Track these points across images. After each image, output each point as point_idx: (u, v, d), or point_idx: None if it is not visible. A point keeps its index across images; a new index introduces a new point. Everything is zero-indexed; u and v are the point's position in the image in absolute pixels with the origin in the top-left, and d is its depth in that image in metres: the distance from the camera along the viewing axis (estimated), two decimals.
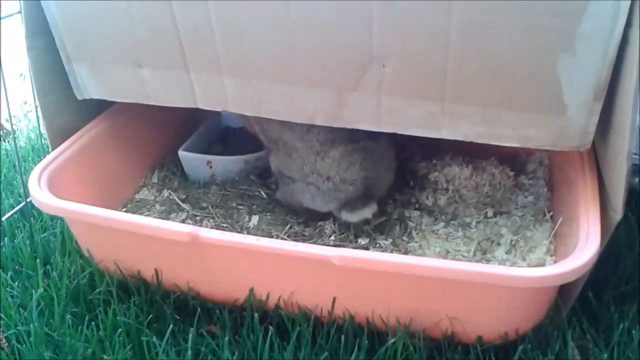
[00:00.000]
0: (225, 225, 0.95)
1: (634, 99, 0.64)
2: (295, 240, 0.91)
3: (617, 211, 0.70)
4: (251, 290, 0.75)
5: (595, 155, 0.82)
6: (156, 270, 0.79)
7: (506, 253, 0.84)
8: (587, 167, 0.80)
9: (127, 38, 0.84)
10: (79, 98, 0.93)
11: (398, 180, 1.03)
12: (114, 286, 0.80)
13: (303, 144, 0.89)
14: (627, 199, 0.70)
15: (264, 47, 0.77)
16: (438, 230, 0.92)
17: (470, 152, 1.06)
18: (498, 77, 0.71)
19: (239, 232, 0.93)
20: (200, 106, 0.87)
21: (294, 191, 0.92)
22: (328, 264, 0.67)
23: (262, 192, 1.02)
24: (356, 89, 0.77)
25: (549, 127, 0.73)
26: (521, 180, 1.00)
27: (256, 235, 0.90)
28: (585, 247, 0.66)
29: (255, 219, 0.95)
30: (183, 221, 0.96)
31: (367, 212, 0.89)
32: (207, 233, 0.70)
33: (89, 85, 0.91)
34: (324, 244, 0.90)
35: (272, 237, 0.90)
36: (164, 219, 0.96)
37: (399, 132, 0.79)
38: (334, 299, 0.72)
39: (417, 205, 0.98)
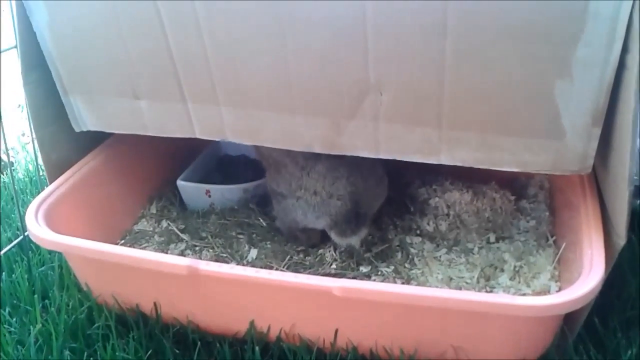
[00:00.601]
0: (224, 255, 0.94)
1: (632, 123, 0.64)
2: (296, 270, 0.90)
3: (621, 236, 0.69)
4: (252, 323, 0.74)
5: (596, 178, 0.82)
6: (155, 304, 0.78)
7: (510, 279, 0.83)
8: (588, 190, 0.80)
9: (123, 70, 0.84)
10: (77, 130, 0.92)
11: (398, 206, 1.02)
12: (112, 320, 0.79)
13: (290, 160, 0.89)
14: (630, 222, 0.69)
15: (260, 77, 0.77)
16: (440, 256, 0.91)
17: (470, 177, 1.06)
18: (494, 104, 0.71)
19: (238, 262, 0.92)
20: (198, 136, 0.86)
21: (287, 209, 0.92)
22: (329, 295, 0.66)
23: (261, 221, 1.01)
24: (354, 117, 0.77)
25: (547, 152, 0.73)
26: (522, 205, 0.99)
27: (255, 267, 0.89)
28: (590, 274, 0.65)
29: (254, 252, 0.94)
30: (182, 252, 0.95)
31: (355, 240, 0.89)
32: (206, 266, 0.69)
33: (86, 117, 0.91)
34: (325, 273, 0.89)
35: (272, 268, 0.88)
36: (163, 249, 0.95)
37: (398, 158, 0.78)
38: (336, 331, 0.71)
39: (418, 232, 0.97)
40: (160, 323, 0.78)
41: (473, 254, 0.90)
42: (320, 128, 0.79)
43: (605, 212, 0.75)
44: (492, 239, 0.92)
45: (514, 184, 1.05)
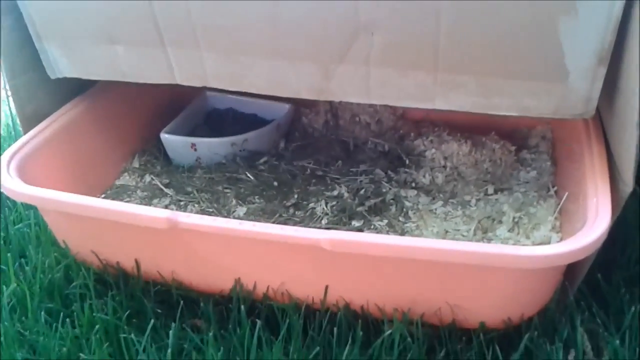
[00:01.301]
0: (211, 210, 0.90)
1: None
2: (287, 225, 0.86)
3: (628, 183, 0.65)
4: (237, 281, 0.70)
5: (602, 126, 0.77)
6: (136, 261, 0.74)
7: (508, 231, 0.79)
8: (593, 138, 0.75)
9: (98, 13, 0.78)
10: (52, 77, 0.87)
11: (392, 159, 0.98)
12: (90, 279, 0.75)
13: None
14: (637, 173, 0.65)
15: (244, 18, 0.72)
16: (436, 209, 0.87)
17: (468, 128, 1.01)
18: (494, 44, 0.66)
19: (226, 216, 0.88)
20: (179, 82, 0.81)
21: None
22: (318, 248, 0.62)
23: (249, 176, 0.96)
24: (343, 61, 0.71)
25: (550, 95, 0.68)
26: (523, 155, 0.95)
27: None
28: (595, 222, 0.61)
29: (242, 209, 0.89)
30: (166, 206, 0.91)
31: None
32: (186, 218, 0.65)
33: (62, 63, 0.85)
34: (316, 228, 0.85)
35: None
36: (146, 205, 0.90)
37: (390, 104, 0.74)
38: (327, 288, 0.67)
39: (413, 185, 0.92)
40: (142, 281, 0.75)
41: (470, 206, 0.86)
42: (308, 73, 0.74)
43: (611, 160, 0.71)
44: (491, 190, 0.88)
45: (515, 135, 1.01)
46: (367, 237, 0.62)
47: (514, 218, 0.80)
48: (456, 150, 0.94)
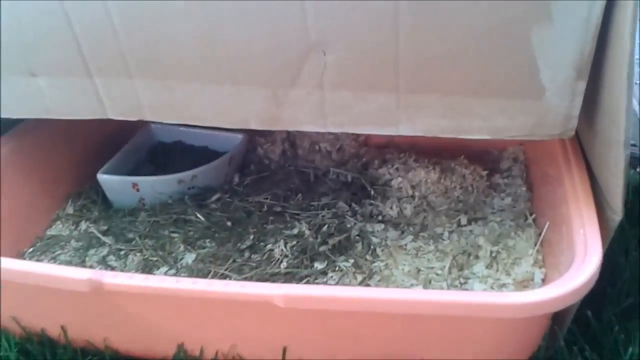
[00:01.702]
0: (155, 258, 0.80)
1: (627, 73, 0.52)
2: (240, 272, 0.76)
3: (617, 211, 0.58)
4: (180, 346, 0.60)
5: (581, 145, 0.70)
6: (62, 328, 0.63)
7: (487, 267, 0.71)
8: (572, 159, 0.69)
9: (15, 41, 0.69)
10: None
11: (356, 190, 0.90)
12: (12, 351, 0.64)
13: None
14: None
15: (178, 40, 0.63)
16: (406, 245, 0.78)
17: (435, 152, 0.94)
18: (459, 59, 0.59)
19: (172, 266, 0.78)
20: (110, 116, 0.72)
21: None
22: (270, 306, 0.53)
23: (199, 216, 0.87)
24: (294, 85, 0.63)
25: (524, 114, 0.61)
26: (495, 180, 0.88)
27: (192, 271, 0.75)
28: (585, 258, 0.54)
29: (190, 256, 0.80)
30: (104, 258, 0.81)
31: None
32: (113, 278, 0.55)
33: None
34: (273, 273, 0.76)
35: (209, 273, 0.75)
36: (81, 257, 0.80)
37: (350, 131, 0.66)
38: (284, 349, 0.58)
39: (380, 218, 0.84)
40: (71, 350, 0.64)
41: (443, 239, 0.78)
42: (256, 100, 0.66)
43: (594, 183, 0.64)
44: (464, 221, 0.80)
45: (485, 158, 0.94)
46: (327, 291, 0.54)
47: (491, 252, 0.72)
48: (424, 178, 0.86)
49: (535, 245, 0.71)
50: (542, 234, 0.70)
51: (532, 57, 0.57)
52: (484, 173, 0.87)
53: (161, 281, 0.55)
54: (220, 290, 0.53)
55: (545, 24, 0.55)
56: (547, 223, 0.69)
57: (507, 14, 0.55)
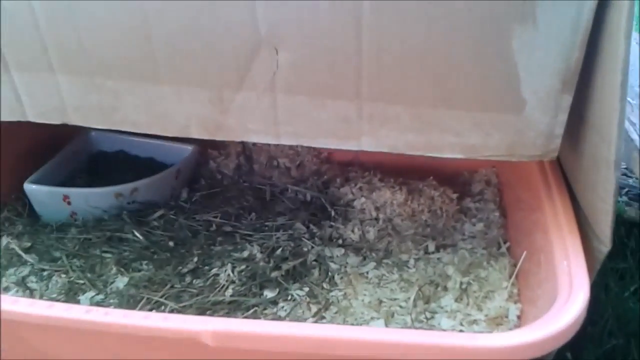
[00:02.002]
0: (82, 281, 0.70)
1: (621, 83, 0.45)
2: (179, 299, 0.67)
3: (605, 241, 0.51)
4: None
5: (561, 165, 0.64)
6: None
7: (456, 301, 0.63)
8: (552, 182, 0.62)
9: None
10: None
11: (315, 210, 0.82)
12: None
13: None
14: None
15: (106, 32, 0.55)
16: (367, 272, 0.70)
17: (403, 172, 0.86)
18: (430, 66, 0.52)
19: (100, 291, 0.69)
20: (30, 118, 0.62)
21: None
22: (198, 344, 0.43)
23: (137, 234, 0.77)
24: (242, 87, 0.55)
25: (502, 131, 0.54)
26: (466, 204, 0.80)
27: (122, 301, 0.66)
28: (571, 295, 0.46)
29: (122, 279, 0.70)
30: (24, 279, 0.71)
31: None
32: (11, 305, 0.45)
33: None
34: (217, 302, 0.67)
35: (141, 301, 0.65)
36: None
37: (306, 144, 0.58)
38: None
39: (340, 241, 0.76)
40: None
41: (408, 267, 0.70)
42: (197, 103, 0.57)
43: (577, 207, 0.57)
44: (432, 247, 0.73)
45: (456, 180, 0.87)
46: (267, 327, 0.45)
47: (461, 284, 0.64)
48: (389, 199, 0.79)
49: (510, 277, 0.63)
50: (519, 264, 0.63)
51: (512, 64, 0.50)
52: (454, 196, 0.80)
53: (67, 310, 0.45)
54: (138, 324, 0.44)
55: (527, 25, 0.48)
56: (524, 252, 0.62)
57: (483, 14, 0.48)
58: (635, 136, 0.57)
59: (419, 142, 0.56)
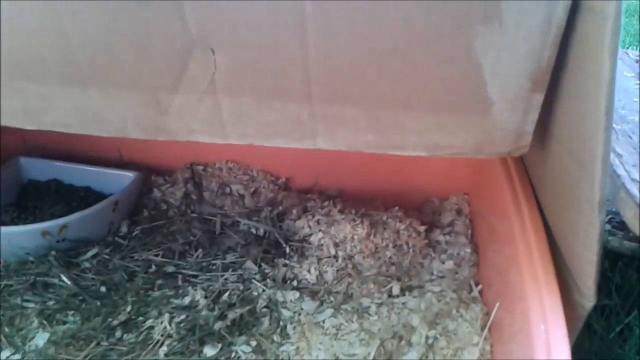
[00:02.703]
0: None
1: (606, 106, 0.38)
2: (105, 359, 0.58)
3: (588, 296, 0.44)
4: None
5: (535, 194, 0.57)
6: None
7: (421, 359, 0.55)
8: (526, 215, 0.54)
9: None
10: None
11: (268, 246, 0.73)
12: None
13: None
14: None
15: (20, 32, 0.47)
16: (324, 321, 0.62)
17: (365, 200, 0.79)
18: (385, 68, 0.46)
19: (16, 351, 0.59)
20: None
21: None
22: None
23: (64, 279, 0.68)
24: (179, 89, 0.48)
25: (467, 131, 0.49)
26: (435, 237, 0.73)
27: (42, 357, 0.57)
28: None
29: (42, 336, 0.61)
30: None
31: None
32: None
33: None
34: None
35: None
36: None
37: (257, 143, 0.51)
38: None
39: (295, 283, 0.68)
40: None
41: (369, 315, 0.62)
42: (132, 105, 0.50)
43: (554, 247, 0.50)
44: (396, 290, 0.65)
45: (424, 209, 0.79)
46: None
47: (427, 338, 0.57)
48: (350, 234, 0.71)
49: (483, 329, 0.56)
50: (491, 317, 0.55)
51: (476, 65, 0.43)
52: (422, 228, 0.72)
53: None
54: None
55: (492, 26, 0.41)
56: (497, 304, 0.54)
57: (442, 15, 0.42)
58: (622, 171, 0.50)
59: (379, 142, 0.51)
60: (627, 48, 1.83)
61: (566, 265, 0.48)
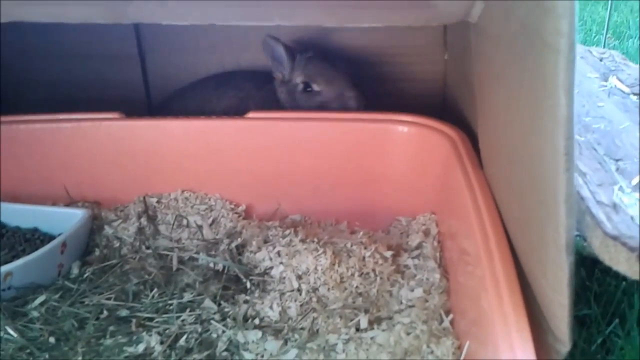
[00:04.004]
0: None
1: (565, 148, 0.35)
2: None
3: (563, 341, 0.40)
4: None
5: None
6: None
7: None
8: (491, 239, 0.51)
9: None
10: None
11: (228, 282, 0.69)
12: None
13: None
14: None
15: None
16: None
17: (326, 226, 0.75)
18: None
19: None
20: None
21: None
22: None
23: (10, 332, 0.63)
24: None
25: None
26: (403, 262, 0.69)
27: None
28: None
29: None
30: None
31: None
32: None
33: None
34: None
35: None
36: None
37: None
38: None
39: (257, 321, 0.64)
40: None
41: (336, 352, 0.59)
42: None
43: (527, 290, 0.47)
44: (364, 323, 0.61)
45: (392, 230, 0.76)
46: None
47: None
48: (313, 265, 0.67)
49: None
50: (464, 352, 0.52)
51: None
52: (389, 254, 0.68)
53: None
54: None
55: None
56: (467, 343, 0.51)
57: None
58: (586, 192, 0.47)
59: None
60: (594, 37, 1.81)
61: (542, 313, 0.45)
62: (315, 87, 0.87)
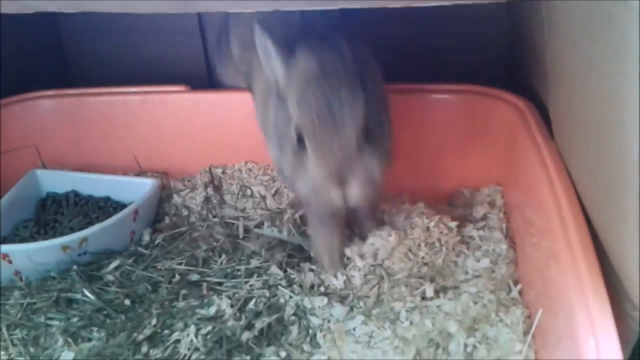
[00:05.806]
0: (23, 359, 0.60)
1: None
2: None
3: None
4: None
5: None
6: None
7: None
8: (565, 207, 0.50)
9: None
10: None
11: (293, 251, 0.71)
12: None
13: None
14: None
15: None
16: (354, 329, 0.60)
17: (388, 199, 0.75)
18: None
19: None
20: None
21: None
22: None
23: (88, 294, 0.67)
24: None
25: None
26: (468, 233, 0.69)
27: None
28: None
29: (68, 355, 0.60)
30: None
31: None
32: None
33: None
34: None
35: None
36: None
37: None
38: None
39: (322, 289, 0.65)
40: None
41: (401, 321, 0.59)
42: None
43: (600, 250, 0.46)
44: (430, 292, 0.62)
45: (455, 202, 0.75)
46: None
47: (465, 346, 0.53)
48: (384, 245, 0.67)
49: (526, 336, 0.52)
50: (534, 323, 0.51)
51: None
52: (454, 224, 0.68)
53: None
54: None
55: None
56: (540, 311, 0.51)
57: None
58: None
59: None
60: None
61: (614, 270, 0.44)
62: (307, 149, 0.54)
